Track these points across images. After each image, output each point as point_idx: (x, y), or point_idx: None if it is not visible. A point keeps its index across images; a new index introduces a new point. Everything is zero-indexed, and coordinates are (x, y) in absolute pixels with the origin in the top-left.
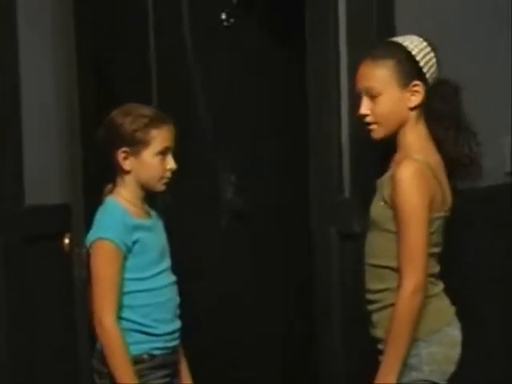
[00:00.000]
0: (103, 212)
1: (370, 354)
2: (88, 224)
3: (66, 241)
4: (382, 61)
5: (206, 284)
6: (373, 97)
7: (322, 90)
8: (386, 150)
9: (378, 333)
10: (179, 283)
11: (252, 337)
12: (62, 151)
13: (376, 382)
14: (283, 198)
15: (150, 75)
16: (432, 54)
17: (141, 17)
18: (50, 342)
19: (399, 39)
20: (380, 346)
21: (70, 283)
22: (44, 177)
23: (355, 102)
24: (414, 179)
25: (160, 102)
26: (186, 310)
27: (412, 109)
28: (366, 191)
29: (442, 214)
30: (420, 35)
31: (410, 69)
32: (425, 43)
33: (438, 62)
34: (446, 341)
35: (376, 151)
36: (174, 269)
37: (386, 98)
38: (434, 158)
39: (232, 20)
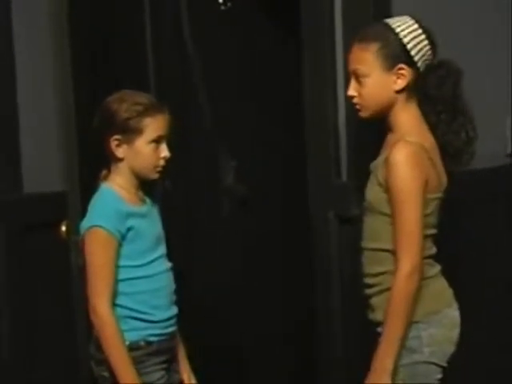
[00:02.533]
0: (97, 199)
1: (369, 338)
2: (84, 211)
3: (63, 228)
4: (367, 44)
5: (206, 270)
6: (358, 79)
7: (318, 74)
8: (383, 133)
9: (378, 316)
10: (181, 270)
11: (252, 320)
12: (59, 139)
13: (373, 364)
14: (284, 183)
15: (147, 61)
16: (423, 37)
17: (137, 2)
18: (48, 329)
19: (390, 21)
20: (379, 329)
21: (68, 270)
22: (41, 165)
23: None
24: (408, 162)
25: (158, 88)
26: (187, 295)
27: (398, 92)
28: (363, 174)
29: (438, 195)
30: (415, 16)
31: (395, 51)
32: (416, 25)
33: (433, 43)
34: (445, 322)
35: (373, 134)
36: (176, 256)
37: (370, 80)
38: (428, 140)
39: (229, 4)
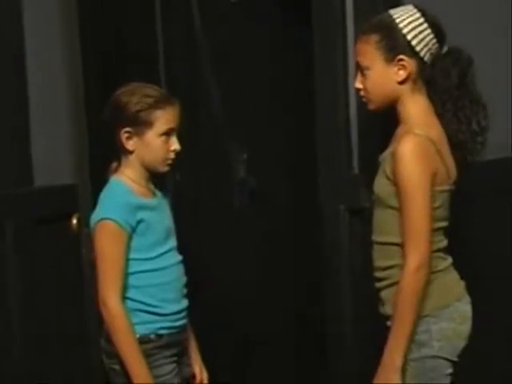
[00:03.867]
0: (107, 192)
1: (379, 331)
2: (95, 204)
3: (74, 221)
4: (368, 36)
5: (216, 263)
6: (363, 71)
7: (330, 67)
8: (393, 124)
9: (388, 310)
10: (192, 263)
11: (262, 314)
12: (69, 132)
13: (383, 360)
14: (295, 175)
15: (157, 54)
16: (425, 26)
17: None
18: (59, 323)
19: (393, 11)
20: (389, 323)
21: (79, 263)
22: (52, 158)
23: None
24: (415, 155)
25: (168, 81)
26: (199, 288)
27: (401, 83)
28: (374, 167)
29: (447, 187)
30: (422, 5)
31: (395, 43)
32: (418, 14)
33: (439, 33)
34: (455, 316)
35: (384, 126)
36: (187, 249)
37: (372, 72)
38: (437, 132)
39: None
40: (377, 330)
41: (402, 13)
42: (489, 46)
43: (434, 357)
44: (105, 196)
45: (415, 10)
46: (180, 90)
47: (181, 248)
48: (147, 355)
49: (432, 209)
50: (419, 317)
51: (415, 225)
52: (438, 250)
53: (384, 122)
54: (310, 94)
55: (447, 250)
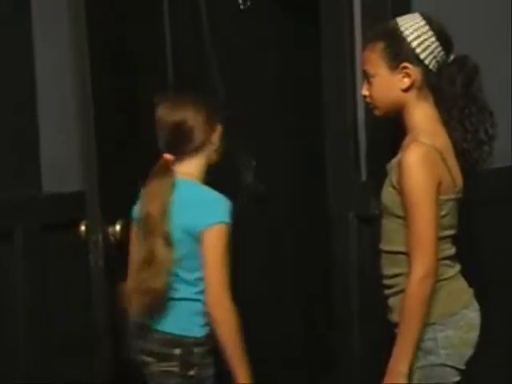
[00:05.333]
0: (209, 195)
1: (387, 339)
2: (103, 211)
3: (82, 228)
4: (373, 44)
5: None
6: (369, 79)
7: (337, 73)
8: (401, 132)
9: (395, 317)
10: None
11: (269, 320)
12: (78, 139)
13: (389, 367)
14: (303, 182)
15: (165, 58)
16: (430, 33)
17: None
18: (66, 327)
19: (399, 19)
20: (397, 330)
21: (86, 269)
22: (60, 164)
23: None
24: (420, 164)
25: (176, 85)
26: None
27: (406, 90)
28: (382, 174)
29: (453, 196)
30: (429, 13)
31: (400, 50)
32: (423, 22)
33: (446, 41)
34: (462, 324)
35: (392, 133)
36: None
37: (377, 80)
38: (443, 140)
39: (248, 3)
40: (384, 336)
41: (407, 20)
42: (489, 53)
43: (440, 365)
44: (213, 199)
45: (421, 18)
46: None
47: None
48: (201, 357)
49: (438, 217)
50: (426, 324)
51: (421, 234)
52: (446, 258)
53: (392, 129)
54: (319, 101)
55: (455, 258)
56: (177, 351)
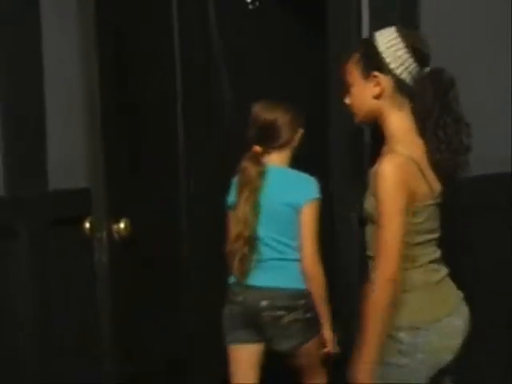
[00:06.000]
0: (304, 176)
1: None
2: (110, 208)
3: (87, 225)
4: (352, 55)
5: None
6: (349, 88)
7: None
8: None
9: None
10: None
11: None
12: (84, 136)
13: (349, 374)
14: None
15: (173, 61)
16: (402, 45)
17: (165, 3)
18: (71, 324)
19: (376, 32)
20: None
21: (91, 266)
22: (67, 161)
23: None
24: (393, 176)
25: (184, 90)
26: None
27: (377, 98)
28: None
29: (431, 201)
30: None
31: (371, 60)
32: (396, 34)
33: (420, 52)
34: (447, 331)
35: None
36: (203, 259)
37: (355, 88)
38: (419, 149)
39: (257, 3)
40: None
41: (382, 33)
42: (489, 59)
43: (413, 367)
44: (307, 179)
45: (395, 32)
46: (195, 98)
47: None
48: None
49: (408, 226)
50: (410, 328)
51: (387, 242)
52: (431, 262)
53: None
54: (325, 103)
55: (441, 262)
56: (301, 301)
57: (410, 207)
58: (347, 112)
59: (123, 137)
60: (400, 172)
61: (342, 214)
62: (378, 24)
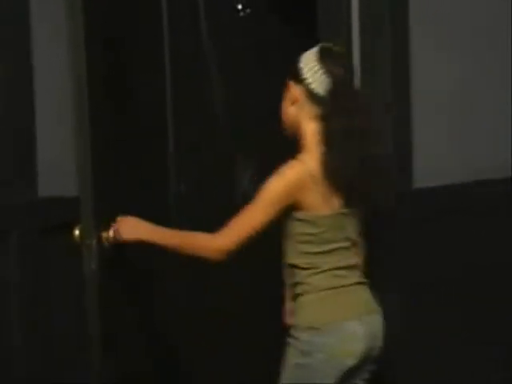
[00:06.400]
0: None
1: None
2: (97, 216)
3: (76, 232)
4: None
5: (224, 271)
6: None
7: None
8: None
9: (291, 320)
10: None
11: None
12: (73, 144)
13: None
14: None
15: (163, 63)
16: (316, 61)
17: (155, 5)
18: (61, 332)
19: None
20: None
21: (81, 274)
22: (56, 169)
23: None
24: (281, 179)
25: (174, 92)
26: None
27: (292, 105)
28: None
29: (329, 212)
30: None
31: (290, 71)
32: (316, 48)
33: (333, 73)
34: (345, 335)
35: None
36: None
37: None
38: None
39: (248, 10)
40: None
41: (311, 49)
42: (489, 53)
43: (309, 367)
44: None
45: (317, 49)
46: (186, 101)
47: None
48: None
49: (311, 234)
50: (304, 327)
51: (240, 222)
52: (336, 269)
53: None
54: None
55: (352, 269)
56: None
57: (295, 214)
58: None
59: (112, 141)
60: (291, 180)
61: None
62: (368, 32)
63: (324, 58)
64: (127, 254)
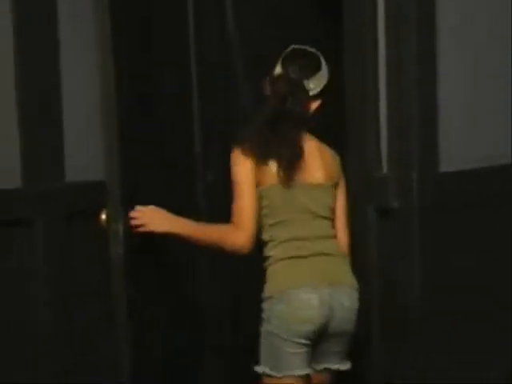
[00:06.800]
0: None
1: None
2: (124, 200)
3: (103, 217)
4: None
5: (250, 263)
6: None
7: (360, 67)
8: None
9: None
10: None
11: None
12: (100, 129)
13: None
14: None
15: (189, 60)
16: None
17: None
18: (88, 318)
19: None
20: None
21: (108, 259)
22: (83, 154)
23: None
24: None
25: (201, 85)
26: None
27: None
28: (404, 167)
29: (277, 185)
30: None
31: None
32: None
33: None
34: (294, 302)
35: (415, 126)
36: None
37: None
38: None
39: None
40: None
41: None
42: (489, 53)
43: (271, 333)
44: None
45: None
46: (213, 93)
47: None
48: None
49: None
50: (266, 297)
51: None
52: (290, 240)
53: (414, 123)
54: (339, 95)
55: (309, 240)
56: None
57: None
58: (364, 104)
59: (139, 129)
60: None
61: (359, 206)
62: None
63: (282, 66)
64: (154, 239)
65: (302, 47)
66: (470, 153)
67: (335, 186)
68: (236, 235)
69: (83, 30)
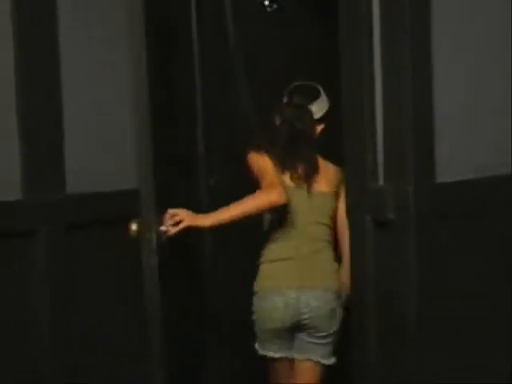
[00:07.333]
0: None
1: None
2: (158, 208)
3: (134, 227)
4: None
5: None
6: None
7: (356, 76)
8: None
9: None
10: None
11: None
12: (133, 138)
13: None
14: None
15: (193, 63)
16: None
17: (183, 4)
18: (90, 331)
19: None
20: None
21: (138, 270)
22: (84, 166)
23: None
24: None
25: (204, 89)
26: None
27: None
28: (400, 178)
29: None
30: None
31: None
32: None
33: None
34: (265, 302)
35: (410, 138)
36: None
37: None
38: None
39: (275, 5)
40: (402, 338)
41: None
42: (489, 53)
43: (255, 321)
44: None
45: (291, 86)
46: (214, 96)
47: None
48: None
49: None
50: (254, 292)
51: None
52: (278, 241)
53: (409, 134)
54: (336, 106)
55: (293, 246)
56: None
57: None
58: (360, 114)
59: (171, 138)
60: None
61: (356, 217)
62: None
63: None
64: (184, 249)
65: (303, 82)
66: (467, 162)
67: (336, 195)
68: (268, 194)
69: (83, 30)
